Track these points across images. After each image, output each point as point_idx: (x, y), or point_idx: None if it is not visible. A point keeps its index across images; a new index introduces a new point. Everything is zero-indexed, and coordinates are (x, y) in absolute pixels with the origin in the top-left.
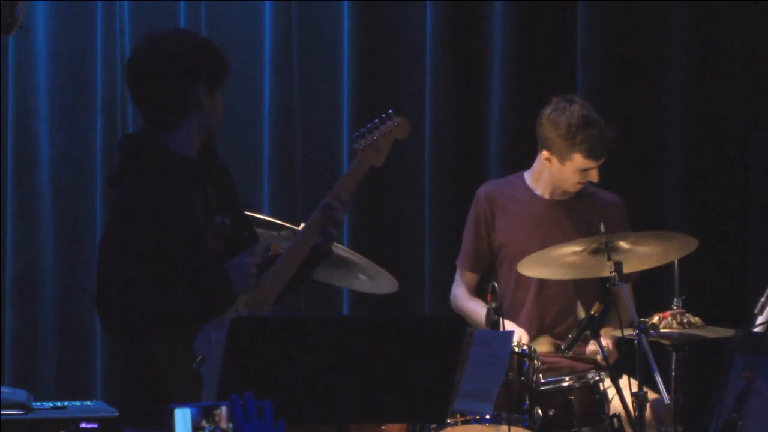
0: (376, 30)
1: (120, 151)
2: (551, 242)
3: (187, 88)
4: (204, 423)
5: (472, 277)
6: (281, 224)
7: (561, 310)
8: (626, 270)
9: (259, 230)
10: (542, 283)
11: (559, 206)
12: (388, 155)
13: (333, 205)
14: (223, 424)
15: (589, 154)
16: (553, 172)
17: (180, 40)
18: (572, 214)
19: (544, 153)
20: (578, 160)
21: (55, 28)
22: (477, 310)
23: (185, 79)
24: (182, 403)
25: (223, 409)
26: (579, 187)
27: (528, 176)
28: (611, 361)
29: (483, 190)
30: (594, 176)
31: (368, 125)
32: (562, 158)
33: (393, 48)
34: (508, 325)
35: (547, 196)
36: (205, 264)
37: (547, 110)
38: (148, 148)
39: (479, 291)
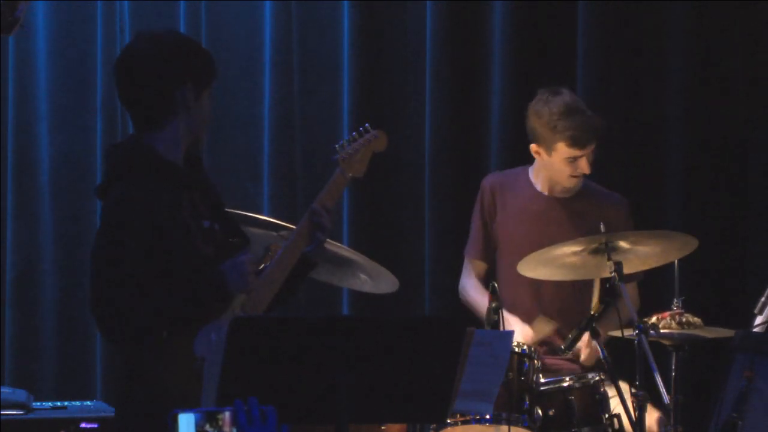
0: (376, 30)
1: (106, 160)
2: (549, 240)
3: (174, 88)
4: (207, 428)
5: (481, 266)
6: (280, 224)
7: (559, 304)
8: (626, 270)
9: (258, 230)
10: (538, 280)
11: (559, 204)
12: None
13: (319, 211)
14: (227, 429)
15: (573, 142)
16: (545, 166)
17: (168, 40)
18: (572, 212)
19: (533, 146)
20: (562, 149)
21: (55, 28)
22: (485, 303)
23: (172, 78)
24: (184, 407)
25: (227, 414)
26: (574, 181)
27: (531, 171)
28: (592, 359)
29: (487, 181)
30: (584, 167)
31: (347, 137)
32: (548, 149)
33: (393, 48)
34: (513, 321)
35: (546, 192)
36: (199, 266)
37: (533, 102)
38: (134, 153)
39: (488, 281)
